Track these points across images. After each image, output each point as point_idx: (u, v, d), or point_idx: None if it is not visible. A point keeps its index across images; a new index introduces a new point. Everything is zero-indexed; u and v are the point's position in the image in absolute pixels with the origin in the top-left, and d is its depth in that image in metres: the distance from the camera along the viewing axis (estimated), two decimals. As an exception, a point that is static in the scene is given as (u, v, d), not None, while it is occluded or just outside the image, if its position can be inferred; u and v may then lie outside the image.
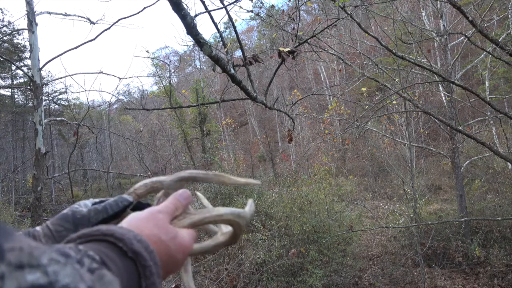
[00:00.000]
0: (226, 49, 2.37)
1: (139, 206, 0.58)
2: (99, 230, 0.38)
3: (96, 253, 0.33)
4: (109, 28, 4.58)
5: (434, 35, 8.58)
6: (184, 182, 0.59)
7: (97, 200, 0.57)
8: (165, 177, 0.59)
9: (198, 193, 0.71)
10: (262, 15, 5.17)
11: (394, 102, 8.05)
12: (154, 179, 0.59)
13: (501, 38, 7.28)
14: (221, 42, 2.54)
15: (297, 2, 3.62)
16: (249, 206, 0.57)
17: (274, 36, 6.10)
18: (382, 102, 6.49)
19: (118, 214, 0.54)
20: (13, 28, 15.81)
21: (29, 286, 0.25)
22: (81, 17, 5.20)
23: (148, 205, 0.59)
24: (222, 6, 2.34)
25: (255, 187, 10.73)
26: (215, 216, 0.52)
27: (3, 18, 20.67)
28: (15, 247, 0.27)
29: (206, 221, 0.52)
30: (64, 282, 0.27)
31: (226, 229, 0.59)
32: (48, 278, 0.27)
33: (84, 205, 0.55)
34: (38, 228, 0.53)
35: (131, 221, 0.44)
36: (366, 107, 6.55)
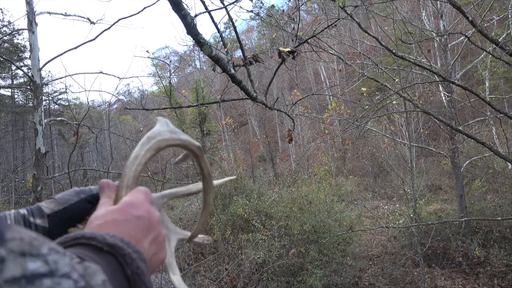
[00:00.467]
0: (226, 49, 2.37)
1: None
2: (67, 237, 0.39)
3: (72, 254, 0.33)
4: (109, 28, 4.59)
5: (434, 35, 8.57)
6: (166, 199, 0.60)
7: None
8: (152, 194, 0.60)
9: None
10: (262, 15, 5.17)
11: (394, 102, 8.04)
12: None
13: (501, 38, 7.28)
14: (221, 42, 2.54)
15: (297, 2, 3.62)
16: (157, 122, 0.55)
17: (274, 36, 6.09)
18: (382, 102, 6.49)
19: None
20: (13, 28, 15.80)
21: (30, 274, 0.26)
22: (81, 17, 5.20)
23: None
24: (222, 6, 2.34)
25: (255, 187, 10.73)
26: (133, 162, 0.50)
27: (3, 18, 20.66)
28: (16, 237, 0.27)
29: (132, 174, 0.49)
30: (64, 270, 0.29)
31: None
32: (49, 266, 0.28)
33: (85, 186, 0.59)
34: (38, 204, 0.55)
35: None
36: (366, 107, 6.55)
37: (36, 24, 4.82)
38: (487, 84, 10.71)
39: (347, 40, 8.41)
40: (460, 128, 6.24)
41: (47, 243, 0.30)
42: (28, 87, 5.04)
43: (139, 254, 0.39)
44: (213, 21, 2.21)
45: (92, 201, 0.56)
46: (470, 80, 17.30)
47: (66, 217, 0.54)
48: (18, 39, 21.49)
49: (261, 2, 6.97)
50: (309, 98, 19.30)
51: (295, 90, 13.53)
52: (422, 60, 7.59)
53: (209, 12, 2.18)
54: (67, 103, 25.71)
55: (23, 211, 0.53)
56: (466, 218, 6.98)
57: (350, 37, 8.63)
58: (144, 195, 0.49)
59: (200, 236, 0.65)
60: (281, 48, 2.51)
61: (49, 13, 5.01)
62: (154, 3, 3.08)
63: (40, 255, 0.28)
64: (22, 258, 0.26)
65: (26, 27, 4.78)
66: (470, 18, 3.42)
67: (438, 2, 8.09)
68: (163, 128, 0.53)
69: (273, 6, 5.51)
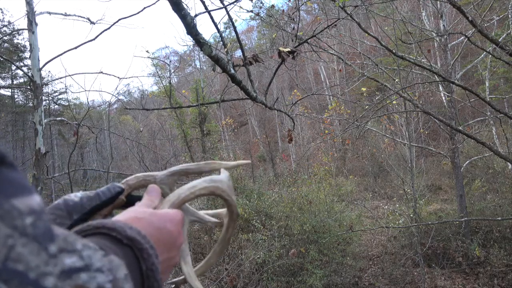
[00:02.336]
0: (226, 49, 2.37)
1: (132, 199, 0.58)
2: (90, 225, 0.40)
3: (95, 244, 0.34)
4: (109, 28, 4.59)
5: (434, 35, 8.57)
6: (177, 177, 0.60)
7: (87, 192, 0.57)
8: (158, 172, 0.60)
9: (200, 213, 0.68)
10: (262, 15, 5.17)
11: (394, 102, 8.04)
12: (147, 173, 0.60)
13: (501, 38, 7.28)
14: (221, 42, 2.54)
15: (297, 2, 3.62)
16: (222, 171, 0.59)
17: (274, 36, 6.10)
18: (382, 102, 6.49)
19: (110, 201, 0.55)
20: (13, 28, 15.80)
21: (68, 269, 0.28)
22: (81, 17, 5.20)
23: (141, 198, 0.59)
24: (222, 6, 2.34)
25: (255, 187, 10.72)
26: (189, 189, 0.53)
27: (3, 18, 20.66)
28: (56, 232, 0.29)
29: (183, 197, 0.52)
30: (97, 265, 0.30)
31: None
32: (84, 261, 0.29)
33: (75, 195, 0.55)
34: None
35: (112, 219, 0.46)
36: (366, 107, 6.55)
37: (36, 24, 4.82)
38: (487, 84, 10.71)
39: (347, 40, 8.41)
40: (460, 128, 6.24)
41: (79, 239, 0.31)
42: (28, 87, 5.04)
43: (155, 251, 0.40)
44: (213, 21, 2.21)
45: (86, 219, 0.53)
46: (470, 80, 17.31)
47: None
48: (18, 39, 21.50)
49: (261, 2, 6.97)
50: (309, 98, 19.30)
51: (295, 90, 13.53)
52: (422, 60, 7.59)
53: (209, 12, 2.18)
54: (67, 103, 25.72)
55: None
56: (466, 218, 6.98)
57: (350, 37, 8.63)
58: (182, 219, 0.50)
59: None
60: (281, 48, 2.51)
61: (49, 13, 5.01)
62: (154, 3, 3.08)
63: (75, 250, 0.29)
64: (60, 254, 0.28)
65: (26, 27, 4.78)
66: (470, 18, 3.42)
67: (438, 2, 8.09)
68: (226, 180, 0.57)
69: (273, 6, 5.51)
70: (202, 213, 0.63)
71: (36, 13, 4.82)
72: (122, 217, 0.45)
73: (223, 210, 0.63)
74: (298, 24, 3.26)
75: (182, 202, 0.53)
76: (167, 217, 0.47)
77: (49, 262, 0.26)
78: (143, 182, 0.59)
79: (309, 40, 3.42)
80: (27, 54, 20.40)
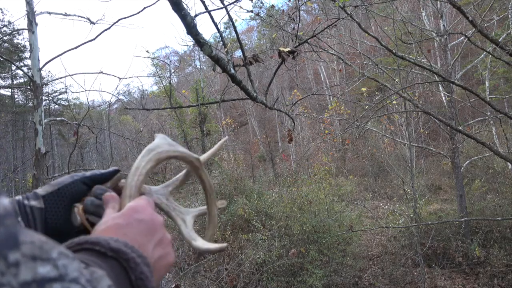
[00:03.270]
0: (226, 49, 2.37)
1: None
2: (72, 242, 0.39)
3: (78, 259, 0.33)
4: (109, 28, 4.59)
5: (434, 35, 8.57)
6: (118, 179, 0.60)
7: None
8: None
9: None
10: (262, 15, 5.17)
11: (394, 102, 8.04)
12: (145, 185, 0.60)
13: (501, 38, 7.28)
14: (221, 42, 2.54)
15: (297, 2, 3.62)
16: (156, 137, 0.57)
17: (274, 36, 6.09)
18: (382, 102, 6.49)
19: (109, 177, 0.57)
20: (13, 28, 15.79)
21: (40, 278, 0.26)
22: (81, 17, 5.20)
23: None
24: (222, 6, 2.34)
25: (255, 187, 10.72)
26: (135, 173, 0.52)
27: (3, 18, 20.65)
28: (27, 240, 0.27)
29: (134, 184, 0.51)
30: (73, 275, 0.28)
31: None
32: (59, 271, 0.28)
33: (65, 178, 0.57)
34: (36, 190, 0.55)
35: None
36: (366, 107, 6.55)
37: (36, 24, 4.82)
38: (487, 84, 10.71)
39: (347, 40, 8.41)
40: (460, 128, 6.24)
41: (57, 247, 0.29)
42: (28, 87, 5.04)
43: (143, 259, 0.39)
44: (213, 21, 2.21)
45: (87, 183, 0.56)
46: (470, 80, 17.31)
47: (61, 197, 0.54)
48: (18, 39, 21.49)
49: (261, 2, 6.96)
50: (309, 98, 19.29)
51: (295, 90, 13.53)
52: (422, 60, 7.59)
53: (209, 12, 2.18)
54: (67, 103, 25.72)
55: (18, 197, 0.53)
56: (466, 218, 6.98)
57: (350, 37, 8.63)
58: (146, 201, 0.49)
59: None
60: (281, 48, 2.51)
61: (49, 13, 5.01)
62: (154, 3, 3.08)
63: (50, 259, 0.28)
64: (33, 262, 0.26)
65: (26, 27, 4.78)
66: (470, 18, 3.42)
67: (438, 2, 8.09)
68: (161, 141, 0.55)
69: (273, 6, 5.51)
70: (163, 186, 0.62)
71: (36, 13, 4.82)
72: (93, 234, 0.44)
73: (181, 173, 0.62)
74: (298, 24, 3.26)
75: (138, 189, 0.52)
76: (130, 211, 0.46)
77: (7, 272, 0.24)
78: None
79: (309, 40, 3.42)
80: (27, 54, 20.40)
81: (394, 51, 4.51)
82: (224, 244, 0.56)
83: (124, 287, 0.36)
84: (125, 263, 0.37)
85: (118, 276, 0.36)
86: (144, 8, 3.57)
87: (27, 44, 11.27)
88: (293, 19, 3.92)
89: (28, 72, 4.89)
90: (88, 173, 0.58)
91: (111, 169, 0.58)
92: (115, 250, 0.37)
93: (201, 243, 0.56)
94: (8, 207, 0.27)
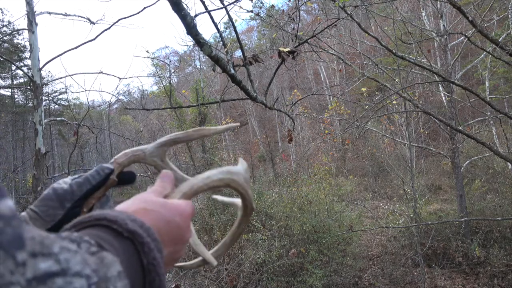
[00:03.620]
0: (226, 49, 2.37)
1: (124, 177, 0.57)
2: (91, 216, 0.38)
3: (92, 238, 0.33)
4: (109, 28, 4.59)
5: (434, 35, 8.57)
6: (167, 147, 0.58)
7: (76, 176, 0.55)
8: (146, 145, 0.58)
9: (216, 196, 0.70)
10: (262, 15, 5.17)
11: (394, 102, 8.05)
12: (135, 148, 0.58)
13: (501, 38, 7.28)
14: (221, 42, 2.54)
15: (297, 2, 3.62)
16: (240, 162, 0.56)
17: (274, 36, 6.09)
18: (382, 102, 6.50)
19: (101, 184, 0.53)
20: (13, 28, 15.81)
21: (42, 274, 0.26)
22: (81, 17, 5.21)
23: (132, 173, 0.58)
24: (222, 6, 2.34)
25: (255, 187, 10.72)
26: (203, 180, 0.50)
27: (3, 18, 20.64)
28: (28, 236, 0.27)
29: (196, 188, 0.50)
30: (75, 269, 0.28)
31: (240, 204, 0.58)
32: (60, 265, 0.28)
33: (64, 182, 0.53)
34: (23, 213, 0.51)
35: (119, 206, 0.44)
36: (366, 107, 6.55)
37: (36, 24, 4.82)
38: (487, 84, 10.71)
39: (347, 40, 8.41)
40: (460, 128, 6.24)
41: (58, 242, 0.29)
42: (28, 87, 5.04)
43: (157, 243, 0.39)
44: (213, 21, 2.21)
45: (79, 205, 0.52)
46: (470, 80, 17.31)
47: (56, 229, 0.50)
48: (18, 39, 21.48)
49: (261, 2, 6.97)
50: (309, 98, 19.30)
51: (295, 90, 13.53)
52: (422, 60, 7.59)
53: (209, 12, 2.18)
54: (67, 103, 25.72)
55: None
56: (466, 218, 6.98)
57: (350, 37, 8.63)
58: (193, 212, 0.49)
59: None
60: (281, 48, 2.51)
61: (49, 13, 5.01)
62: (154, 3, 3.08)
63: (51, 254, 0.28)
64: (33, 259, 0.26)
65: (26, 27, 4.78)
66: (470, 18, 3.42)
67: (438, 2, 8.09)
68: (243, 172, 0.54)
69: (273, 6, 5.51)
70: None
71: (36, 13, 4.82)
72: (131, 205, 0.44)
73: (239, 201, 0.61)
74: (298, 24, 3.26)
75: (195, 193, 0.50)
76: (177, 210, 0.45)
77: (16, 271, 0.25)
78: (132, 158, 0.57)
79: (309, 40, 3.42)
80: (27, 54, 20.40)
81: (394, 51, 4.51)
82: (214, 261, 0.56)
83: (135, 269, 0.36)
84: (139, 246, 0.37)
85: (130, 258, 0.36)
86: (144, 8, 3.57)
87: (27, 44, 11.27)
88: (293, 19, 3.92)
89: (28, 72, 4.89)
90: (77, 191, 0.52)
91: (103, 173, 0.53)
92: (132, 231, 0.37)
93: (202, 251, 0.56)
94: (13, 208, 0.27)
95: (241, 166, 0.55)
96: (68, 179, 0.54)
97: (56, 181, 0.55)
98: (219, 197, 0.69)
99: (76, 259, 0.29)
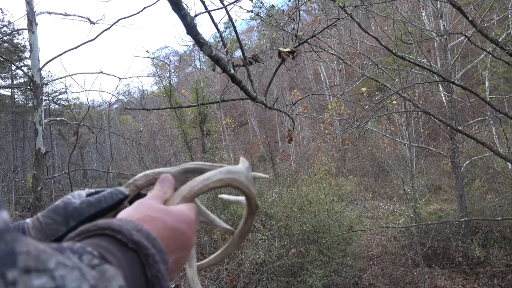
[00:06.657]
0: (226, 49, 2.37)
1: (138, 199, 0.55)
2: (96, 225, 0.38)
3: (94, 249, 0.32)
4: (109, 28, 4.59)
5: (434, 35, 8.57)
6: (190, 174, 0.57)
7: (92, 190, 0.54)
8: (170, 168, 0.57)
9: (222, 195, 0.70)
10: (262, 15, 5.17)
11: (394, 102, 8.04)
12: (157, 170, 0.56)
13: (501, 38, 7.28)
14: (221, 42, 2.54)
15: (297, 2, 3.62)
16: (241, 161, 0.55)
17: (274, 36, 6.09)
18: (382, 102, 6.49)
19: (113, 208, 0.51)
20: (13, 28, 15.80)
21: None
22: (81, 17, 5.21)
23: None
24: (222, 6, 2.34)
25: (255, 187, 10.72)
26: (202, 181, 0.50)
27: (3, 18, 20.66)
28: (23, 250, 0.26)
29: (195, 190, 0.49)
30: (71, 286, 0.27)
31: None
32: (55, 282, 0.26)
33: (78, 196, 0.52)
34: (28, 220, 0.50)
35: (122, 214, 0.44)
36: (366, 107, 6.55)
37: (36, 24, 4.82)
38: (487, 84, 10.70)
39: (347, 40, 8.42)
40: (460, 128, 6.24)
41: (55, 256, 0.28)
42: (28, 87, 5.04)
43: (162, 254, 0.38)
44: (213, 21, 2.21)
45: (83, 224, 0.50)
46: (470, 80, 17.31)
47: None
48: (18, 39, 21.51)
49: (261, 2, 6.97)
50: (309, 98, 19.30)
51: (295, 90, 13.54)
52: (422, 60, 7.59)
53: (209, 12, 2.18)
54: (67, 103, 25.73)
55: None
56: (466, 218, 6.98)
57: (350, 37, 8.64)
58: (196, 217, 0.48)
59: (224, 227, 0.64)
60: (281, 48, 2.50)
61: (49, 13, 5.01)
62: (154, 3, 3.08)
63: (46, 270, 0.26)
64: (27, 275, 0.25)
65: (26, 27, 4.78)
66: (470, 18, 3.42)
67: (438, 2, 8.09)
68: (244, 171, 0.54)
69: (273, 6, 5.51)
70: (213, 216, 0.61)
71: (36, 13, 4.82)
72: (135, 213, 0.43)
73: (243, 199, 0.60)
74: (298, 24, 3.26)
75: (195, 196, 0.50)
76: (181, 217, 0.45)
77: None
78: (153, 181, 0.55)
79: (309, 40, 3.42)
80: (27, 54, 20.40)
81: (394, 51, 4.51)
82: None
83: (139, 282, 0.35)
84: (144, 258, 0.36)
85: (134, 270, 0.35)
86: (144, 8, 3.57)
87: (27, 44, 11.27)
88: (293, 19, 3.93)
89: (28, 72, 4.89)
90: (84, 211, 0.50)
91: (116, 197, 0.51)
92: (137, 243, 0.36)
93: (191, 278, 0.53)
94: (8, 221, 0.26)
95: (242, 165, 0.55)
96: (84, 193, 0.53)
97: (72, 191, 0.52)
98: (225, 196, 0.69)
99: (73, 275, 0.28)
